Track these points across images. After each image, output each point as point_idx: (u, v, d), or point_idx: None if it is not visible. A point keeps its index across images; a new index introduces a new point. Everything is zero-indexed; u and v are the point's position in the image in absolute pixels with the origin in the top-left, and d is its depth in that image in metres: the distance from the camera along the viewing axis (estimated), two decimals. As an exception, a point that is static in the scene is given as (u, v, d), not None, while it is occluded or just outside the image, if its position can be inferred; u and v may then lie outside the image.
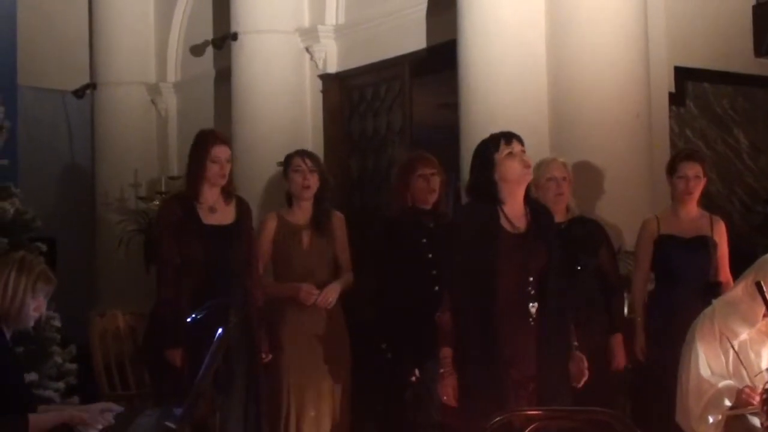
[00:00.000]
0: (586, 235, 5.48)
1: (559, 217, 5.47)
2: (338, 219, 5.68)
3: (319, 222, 5.55)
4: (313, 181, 5.53)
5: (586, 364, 4.59)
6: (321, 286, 5.49)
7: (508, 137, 4.54)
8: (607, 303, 5.51)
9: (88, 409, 4.17)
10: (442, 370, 4.50)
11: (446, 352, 4.48)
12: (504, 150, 4.49)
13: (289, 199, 5.62)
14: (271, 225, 5.57)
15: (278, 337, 5.54)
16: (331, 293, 5.48)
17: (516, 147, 4.52)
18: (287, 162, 5.63)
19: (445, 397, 4.48)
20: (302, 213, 5.58)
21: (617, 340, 5.48)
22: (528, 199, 4.60)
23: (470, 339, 4.39)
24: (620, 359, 5.48)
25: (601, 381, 5.20)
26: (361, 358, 5.68)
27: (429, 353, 4.89)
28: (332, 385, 5.55)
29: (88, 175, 10.82)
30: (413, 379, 5.18)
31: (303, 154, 5.71)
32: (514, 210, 4.52)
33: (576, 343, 4.59)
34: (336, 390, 5.56)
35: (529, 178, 4.59)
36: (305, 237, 5.54)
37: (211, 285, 5.15)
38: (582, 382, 4.58)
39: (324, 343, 5.53)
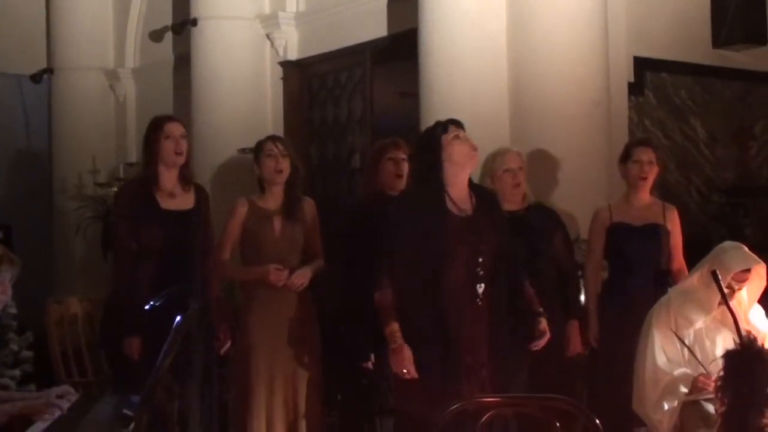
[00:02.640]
0: (542, 223, 5.50)
1: (516, 206, 5.49)
2: (309, 205, 5.65)
3: (290, 208, 5.52)
4: (285, 166, 5.51)
5: (545, 326, 4.64)
6: (292, 272, 5.45)
7: (458, 123, 4.61)
8: (562, 290, 5.54)
9: (44, 395, 4.13)
10: (393, 345, 4.49)
11: (393, 327, 4.47)
12: (452, 132, 4.54)
13: (261, 185, 5.59)
14: (242, 210, 5.53)
15: (244, 323, 5.51)
16: (302, 276, 5.45)
17: (463, 133, 4.58)
18: (259, 147, 5.59)
19: (404, 371, 4.44)
20: (273, 199, 5.55)
21: (573, 327, 5.51)
22: (471, 184, 4.63)
23: (420, 321, 4.40)
24: (575, 346, 5.51)
25: (557, 368, 5.24)
26: (323, 344, 5.67)
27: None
28: (302, 371, 5.52)
29: (46, 161, 10.72)
30: (369, 364, 5.17)
31: (275, 139, 5.69)
32: (459, 193, 4.55)
33: (540, 309, 4.63)
34: (305, 375, 5.53)
35: (475, 161, 4.63)
36: (277, 223, 5.50)
37: (169, 271, 5.10)
38: (542, 344, 4.61)
39: (293, 329, 5.49)
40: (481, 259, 4.47)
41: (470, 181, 4.64)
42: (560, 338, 5.41)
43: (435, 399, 4.03)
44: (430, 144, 4.57)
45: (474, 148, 4.56)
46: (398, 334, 4.46)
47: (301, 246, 5.55)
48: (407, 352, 4.44)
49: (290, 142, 5.77)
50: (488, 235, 4.51)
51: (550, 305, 5.40)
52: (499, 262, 4.51)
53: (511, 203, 5.46)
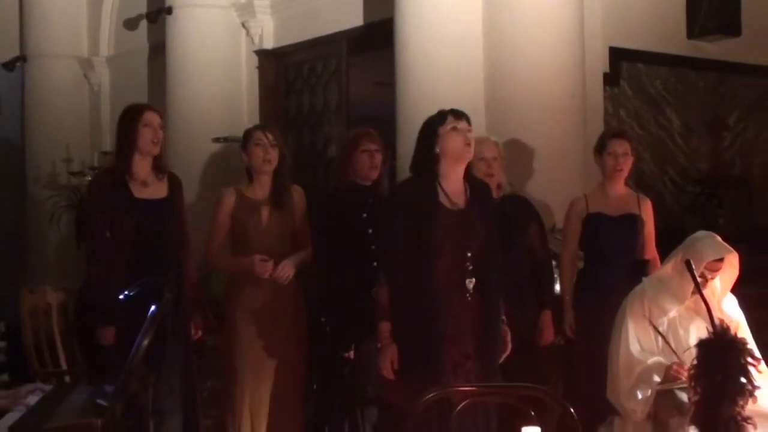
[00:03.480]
0: (517, 213, 5.51)
1: (491, 196, 5.50)
2: (298, 193, 5.62)
3: (278, 197, 5.49)
4: (274, 156, 5.48)
5: (509, 338, 4.62)
6: (280, 261, 5.42)
7: (458, 114, 4.55)
8: (536, 280, 5.55)
9: (13, 393, 4.11)
10: (380, 345, 4.50)
11: (385, 326, 4.48)
12: (450, 124, 4.51)
13: (249, 175, 5.57)
14: (230, 200, 5.50)
15: (231, 313, 5.48)
16: (288, 268, 5.41)
17: (462, 124, 4.53)
18: (248, 136, 5.56)
19: (384, 371, 4.47)
20: (261, 188, 5.52)
21: (546, 317, 5.51)
22: (468, 175, 4.60)
23: (408, 315, 4.40)
24: (548, 335, 5.52)
25: (532, 357, 5.25)
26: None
27: (369, 329, 4.89)
28: (288, 361, 5.49)
29: (19, 149, 10.65)
30: (350, 354, 5.16)
31: (264, 128, 5.65)
32: (453, 186, 4.52)
33: (504, 318, 4.63)
34: (291, 366, 5.50)
35: (469, 157, 4.58)
36: (264, 212, 5.48)
37: (144, 260, 5.08)
38: (503, 358, 4.62)
39: (281, 318, 5.46)
40: (470, 254, 4.46)
41: (468, 172, 4.61)
42: (534, 328, 5.42)
43: (419, 391, 4.02)
44: (427, 134, 4.54)
45: (468, 143, 4.51)
46: (387, 334, 4.47)
47: (290, 235, 5.52)
48: (392, 354, 4.45)
49: (279, 132, 5.73)
50: (478, 230, 4.49)
51: (523, 296, 5.42)
52: (489, 256, 4.50)
53: None
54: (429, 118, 4.62)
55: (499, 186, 5.54)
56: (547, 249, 5.65)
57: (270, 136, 5.49)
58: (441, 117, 4.55)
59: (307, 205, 5.62)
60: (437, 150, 4.48)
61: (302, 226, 5.55)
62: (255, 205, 5.47)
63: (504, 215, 5.37)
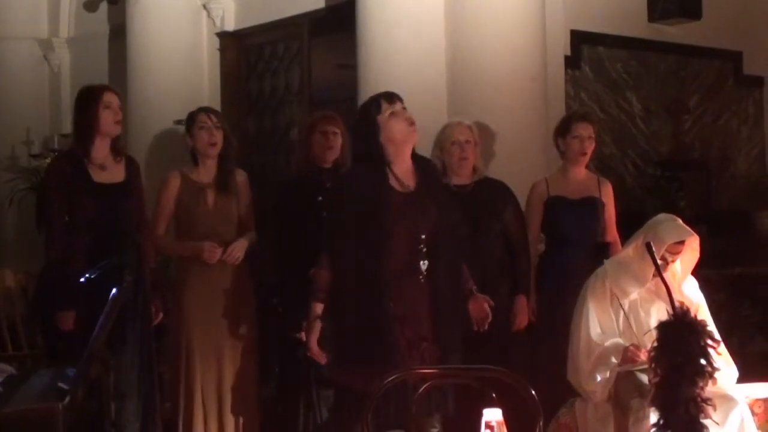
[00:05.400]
0: (491, 197, 5.50)
1: (465, 180, 5.49)
2: (242, 178, 5.63)
3: (223, 180, 5.49)
4: (219, 139, 5.48)
5: (487, 305, 4.63)
6: (226, 245, 5.43)
7: (389, 97, 4.56)
8: (511, 264, 5.55)
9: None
10: (305, 324, 4.53)
11: (317, 308, 4.48)
12: (386, 110, 4.50)
13: (195, 158, 5.55)
14: (175, 183, 5.49)
15: (179, 296, 5.48)
16: (238, 249, 5.43)
17: (397, 106, 4.53)
18: (192, 119, 5.54)
19: (310, 351, 4.49)
20: (206, 171, 5.51)
21: (521, 302, 5.51)
22: (415, 156, 4.60)
23: (361, 297, 4.39)
24: (522, 320, 5.52)
25: (503, 341, 5.26)
26: (259, 317, 5.66)
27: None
28: (236, 343, 5.51)
29: (-22, 132, 10.54)
30: (302, 335, 5.15)
31: (208, 111, 5.65)
32: (402, 169, 4.52)
33: (474, 287, 4.62)
34: (240, 347, 5.52)
35: (415, 135, 4.59)
36: (210, 196, 5.47)
37: (103, 244, 5.07)
38: (486, 325, 4.62)
39: (228, 302, 5.47)
40: (423, 236, 4.46)
41: (413, 153, 4.60)
42: (507, 313, 5.42)
43: (374, 372, 4.03)
44: (367, 125, 4.53)
45: (411, 123, 4.51)
46: (315, 316, 4.47)
47: (236, 219, 5.53)
48: (316, 330, 4.45)
49: (222, 115, 5.73)
50: (430, 211, 4.49)
51: (495, 280, 5.42)
52: (442, 237, 4.50)
53: (459, 177, 5.47)
54: (363, 107, 4.63)
55: (474, 170, 5.54)
56: (525, 233, 5.61)
57: (214, 119, 5.50)
58: (376, 105, 4.54)
59: (252, 188, 5.64)
60: (381, 139, 4.48)
61: (247, 210, 5.57)
62: (201, 188, 5.47)
63: (476, 200, 5.38)
